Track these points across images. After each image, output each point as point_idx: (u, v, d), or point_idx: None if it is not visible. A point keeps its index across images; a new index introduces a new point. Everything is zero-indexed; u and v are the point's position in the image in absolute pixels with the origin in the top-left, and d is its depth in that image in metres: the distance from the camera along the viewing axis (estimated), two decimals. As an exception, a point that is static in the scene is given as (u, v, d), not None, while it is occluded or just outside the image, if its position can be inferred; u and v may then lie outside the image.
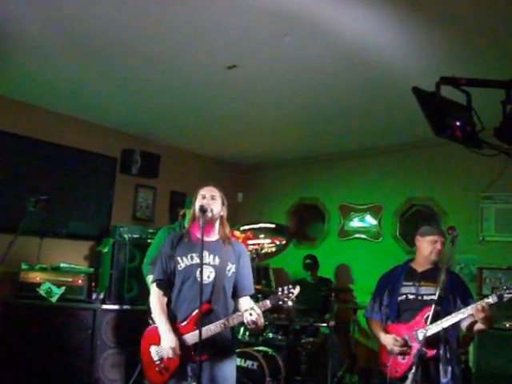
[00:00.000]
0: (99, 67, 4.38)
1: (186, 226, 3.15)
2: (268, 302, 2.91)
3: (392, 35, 3.48)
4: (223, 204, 3.10)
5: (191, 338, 2.88)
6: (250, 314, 2.82)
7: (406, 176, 6.17)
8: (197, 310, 2.85)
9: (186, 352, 2.87)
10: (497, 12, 3.12)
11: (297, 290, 2.91)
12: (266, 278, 6.37)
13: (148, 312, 4.29)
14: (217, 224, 3.09)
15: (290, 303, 2.95)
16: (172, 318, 2.95)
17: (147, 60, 4.18)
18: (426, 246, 3.51)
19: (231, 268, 3.04)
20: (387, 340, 3.35)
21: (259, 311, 2.85)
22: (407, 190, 6.13)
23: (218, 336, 2.88)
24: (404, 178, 6.19)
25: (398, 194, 6.20)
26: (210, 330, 2.85)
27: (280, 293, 2.91)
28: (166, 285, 3.03)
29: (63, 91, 5.01)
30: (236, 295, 3.11)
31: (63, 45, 3.94)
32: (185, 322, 2.92)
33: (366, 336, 5.61)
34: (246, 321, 2.85)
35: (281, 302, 2.91)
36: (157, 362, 2.91)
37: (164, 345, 2.84)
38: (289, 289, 2.91)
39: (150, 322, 4.30)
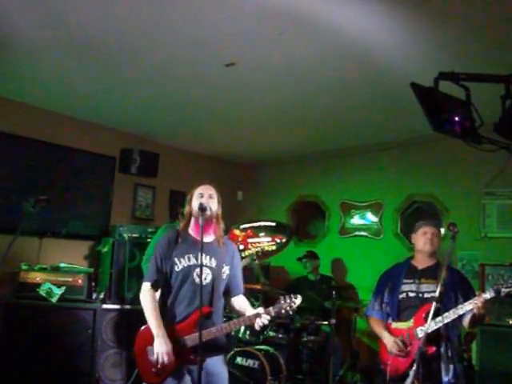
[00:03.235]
0: (97, 67, 4.36)
1: (181, 225, 3.11)
2: (271, 311, 2.89)
3: (390, 31, 3.45)
4: (219, 202, 3.08)
5: (191, 339, 2.85)
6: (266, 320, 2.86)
7: (407, 173, 6.13)
8: (197, 312, 2.82)
9: (183, 353, 2.85)
10: (496, 7, 3.09)
11: (299, 300, 2.91)
12: (265, 276, 6.35)
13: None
14: (213, 223, 3.07)
15: (291, 313, 2.95)
16: (169, 319, 2.92)
17: (145, 59, 4.16)
18: (419, 240, 3.53)
19: (226, 270, 3.04)
20: (388, 341, 3.34)
21: (268, 317, 2.86)
22: (408, 186, 6.10)
23: (214, 338, 2.87)
24: (405, 175, 6.15)
25: (398, 191, 6.17)
26: (212, 332, 2.84)
27: (283, 301, 2.90)
28: (159, 285, 3.01)
29: (62, 92, 5.00)
30: (229, 295, 3.12)
31: (61, 46, 3.93)
32: (183, 324, 2.89)
33: (368, 334, 5.59)
34: (257, 326, 2.87)
35: (283, 311, 2.89)
36: (154, 363, 2.86)
37: (158, 350, 2.80)
38: (291, 298, 2.90)
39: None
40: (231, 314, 3.75)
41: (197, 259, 2.92)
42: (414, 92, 2.46)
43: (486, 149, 2.61)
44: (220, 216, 3.08)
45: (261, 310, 2.91)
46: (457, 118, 2.44)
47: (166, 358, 2.78)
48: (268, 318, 2.85)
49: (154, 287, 3.00)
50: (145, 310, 2.96)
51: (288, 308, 2.88)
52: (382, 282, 3.68)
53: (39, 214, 4.62)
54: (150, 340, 2.88)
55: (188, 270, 2.94)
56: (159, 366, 2.82)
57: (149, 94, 5.00)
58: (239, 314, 3.10)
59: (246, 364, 4.63)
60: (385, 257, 5.48)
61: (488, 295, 3.00)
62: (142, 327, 3.04)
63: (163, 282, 3.00)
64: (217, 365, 2.93)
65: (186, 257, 2.97)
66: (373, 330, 3.64)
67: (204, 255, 2.94)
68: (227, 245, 3.12)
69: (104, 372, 4.94)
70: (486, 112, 2.57)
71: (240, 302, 3.12)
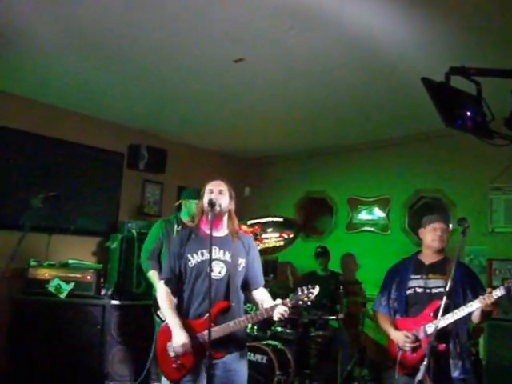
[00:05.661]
0: (106, 63, 4.37)
1: (187, 219, 3.11)
2: (288, 302, 2.86)
3: (400, 26, 3.43)
4: (231, 198, 3.08)
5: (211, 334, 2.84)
6: (284, 311, 2.82)
7: (414, 168, 6.12)
8: (215, 307, 2.83)
9: (202, 349, 2.83)
10: (506, 2, 3.08)
11: (316, 290, 2.86)
12: (273, 271, 6.37)
13: (154, 307, 4.31)
14: (225, 218, 3.07)
15: (309, 303, 2.90)
16: (186, 315, 2.93)
17: (154, 55, 4.16)
18: (428, 235, 3.48)
19: (241, 263, 3.02)
20: (398, 336, 3.32)
21: (286, 309, 2.84)
22: (415, 181, 6.09)
23: (233, 333, 2.86)
24: (412, 170, 6.14)
25: (406, 186, 6.16)
26: (229, 326, 2.84)
27: (300, 293, 2.87)
28: (174, 283, 3.02)
29: (70, 88, 5.00)
30: (248, 288, 3.10)
31: (70, 42, 3.94)
32: (201, 319, 2.87)
33: (376, 329, 5.59)
34: (276, 317, 2.84)
35: (301, 302, 2.87)
36: (174, 359, 2.88)
37: (175, 341, 2.82)
38: (308, 289, 2.86)
39: (157, 318, 4.31)
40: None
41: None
42: (425, 87, 2.45)
43: (496, 143, 2.61)
44: (233, 211, 3.09)
45: (278, 301, 2.89)
46: (469, 113, 2.43)
47: (180, 350, 2.80)
48: (286, 309, 2.81)
49: (168, 285, 3.02)
50: (160, 306, 3.03)
51: (305, 299, 2.85)
52: (389, 278, 3.65)
53: (48, 211, 4.64)
54: (170, 336, 2.89)
55: (202, 266, 2.93)
56: (180, 360, 2.84)
57: (157, 91, 5.01)
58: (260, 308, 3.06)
59: (255, 359, 4.64)
60: (392, 252, 5.47)
61: (499, 293, 2.96)
62: (164, 323, 3.05)
63: (176, 280, 3.01)
64: (235, 361, 2.92)
65: (199, 252, 2.97)
66: (380, 326, 3.63)
67: (218, 249, 2.95)
68: (242, 238, 3.12)
69: (113, 368, 4.96)
70: (497, 107, 2.56)
71: (261, 295, 3.09)
